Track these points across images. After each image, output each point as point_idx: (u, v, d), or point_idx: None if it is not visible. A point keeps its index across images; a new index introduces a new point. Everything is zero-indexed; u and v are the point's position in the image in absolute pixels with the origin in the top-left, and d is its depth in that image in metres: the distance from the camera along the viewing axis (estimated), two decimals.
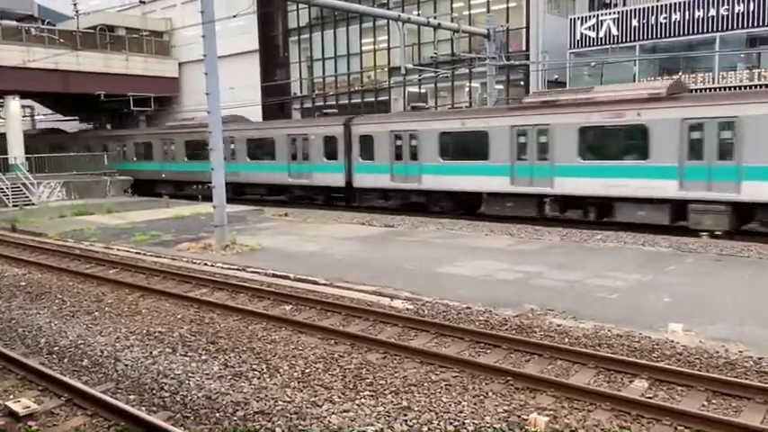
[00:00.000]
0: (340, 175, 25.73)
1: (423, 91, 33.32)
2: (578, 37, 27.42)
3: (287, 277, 12.93)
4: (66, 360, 8.59)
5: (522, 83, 29.72)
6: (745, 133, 16.31)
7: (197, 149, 31.08)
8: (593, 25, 27.06)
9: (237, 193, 30.07)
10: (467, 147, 22.04)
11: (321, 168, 26.49)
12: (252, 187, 30.26)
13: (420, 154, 22.98)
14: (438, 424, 6.36)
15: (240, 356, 8.48)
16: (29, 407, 6.73)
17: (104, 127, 43.31)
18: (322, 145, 26.28)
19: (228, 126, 30.04)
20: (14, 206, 27.53)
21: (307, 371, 7.88)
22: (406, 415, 6.57)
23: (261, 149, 29.47)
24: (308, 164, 26.98)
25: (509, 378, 7.40)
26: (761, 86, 22.80)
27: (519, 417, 6.47)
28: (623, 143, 18.79)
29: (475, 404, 6.81)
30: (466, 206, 22.68)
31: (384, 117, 26.77)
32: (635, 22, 25.97)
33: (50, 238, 19.60)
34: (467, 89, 31.72)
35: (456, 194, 22.68)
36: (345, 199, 26.57)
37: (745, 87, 23.02)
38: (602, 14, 27.31)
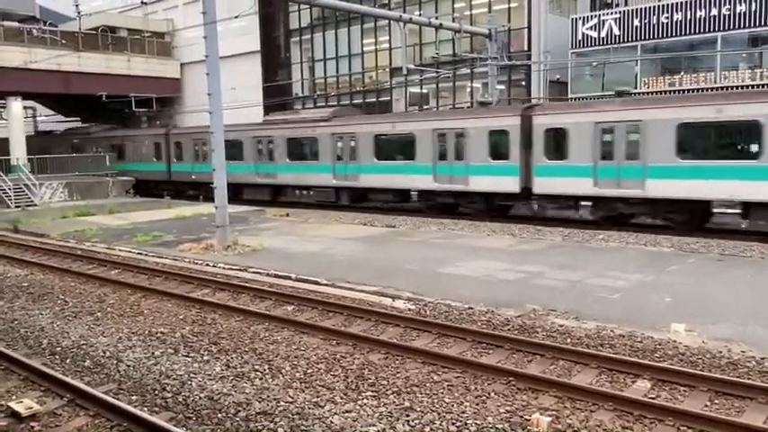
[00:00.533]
0: (512, 179, 20.73)
1: (424, 91, 33.34)
2: (580, 37, 27.41)
3: (288, 278, 12.94)
4: (68, 361, 8.59)
5: (523, 83, 29.72)
6: None
7: (304, 149, 27.47)
8: (595, 25, 27.04)
9: (357, 198, 26.16)
10: (722, 142, 17.64)
11: (483, 170, 21.36)
12: (378, 193, 25.38)
13: (644, 151, 18.17)
14: (440, 424, 6.36)
15: (242, 357, 8.49)
16: (31, 407, 6.74)
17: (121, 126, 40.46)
18: (486, 141, 21.30)
19: (346, 120, 26.38)
20: (17, 207, 27.57)
21: (309, 371, 7.88)
22: (408, 415, 6.57)
23: (393, 148, 24.52)
24: (463, 164, 21.87)
25: (511, 378, 7.40)
26: (764, 86, 22.76)
27: (521, 417, 6.47)
28: None
29: (477, 405, 6.81)
30: (700, 218, 18.67)
31: (585, 105, 21.65)
32: (636, 22, 25.96)
33: (52, 239, 19.62)
34: (468, 89, 31.72)
35: (691, 204, 18.02)
36: (503, 209, 22.29)
37: (749, 87, 22.88)
38: (603, 14, 27.30)
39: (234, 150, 29.76)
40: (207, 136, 31.03)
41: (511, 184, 20.88)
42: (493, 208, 22.23)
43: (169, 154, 34.16)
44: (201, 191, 31.31)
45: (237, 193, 29.78)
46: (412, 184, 23.79)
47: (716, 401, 6.79)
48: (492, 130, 21.32)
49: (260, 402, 6.98)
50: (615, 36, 26.47)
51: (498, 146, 21.21)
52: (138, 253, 16.63)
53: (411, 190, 24.22)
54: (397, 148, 24.44)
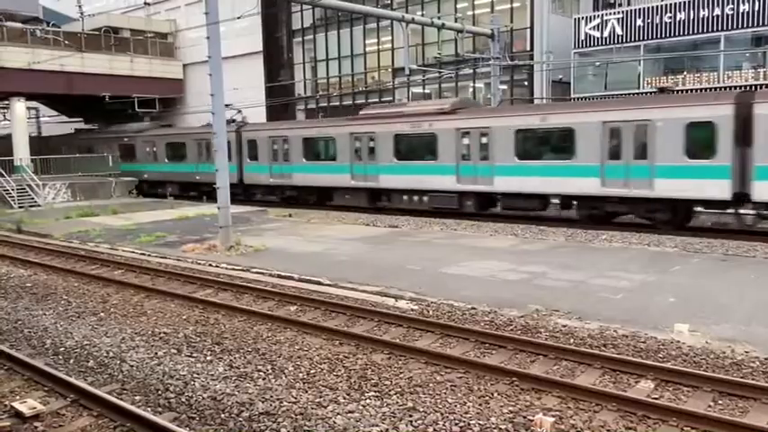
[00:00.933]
0: (720, 183, 16.82)
1: (427, 91, 33.35)
2: (583, 37, 27.41)
3: (291, 278, 12.95)
4: (71, 361, 8.61)
5: (526, 83, 29.73)
6: None
7: (416, 146, 23.53)
8: (598, 25, 27.04)
9: (487, 205, 22.30)
10: None
11: (675, 172, 17.45)
12: (516, 199, 21.15)
13: None
14: (443, 425, 6.35)
15: (245, 357, 8.49)
16: (35, 407, 6.75)
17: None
18: (681, 136, 17.34)
19: (475, 113, 22.85)
20: (20, 207, 27.64)
21: (312, 371, 7.89)
22: (411, 416, 6.57)
23: (542, 145, 20.61)
24: (646, 164, 17.87)
25: (514, 379, 7.39)
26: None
27: (524, 418, 6.46)
28: None
29: (480, 405, 6.80)
30: None
31: None
32: (639, 22, 25.94)
33: (56, 240, 19.66)
34: (471, 89, 31.73)
35: None
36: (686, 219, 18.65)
37: (759, 87, 22.68)
38: (606, 14, 27.29)
39: (324, 149, 26.85)
40: (290, 133, 28.13)
41: (717, 189, 16.93)
42: (682, 217, 18.45)
43: (241, 154, 30.13)
44: (277, 194, 28.90)
45: (324, 197, 27.11)
46: (568, 188, 19.62)
47: (720, 402, 6.77)
48: (691, 123, 17.25)
49: (263, 402, 6.98)
50: (618, 36, 26.46)
51: (699, 141, 17.30)
52: (142, 253, 16.65)
53: (559, 195, 20.20)
54: (547, 146, 20.49)
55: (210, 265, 14.80)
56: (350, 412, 6.69)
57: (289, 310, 10.84)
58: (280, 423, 6.46)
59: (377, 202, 25.05)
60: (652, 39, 25.84)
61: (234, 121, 32.19)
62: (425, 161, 22.94)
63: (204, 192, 31.02)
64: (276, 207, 27.01)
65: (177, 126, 35.85)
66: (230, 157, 29.45)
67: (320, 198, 27.28)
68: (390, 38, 33.44)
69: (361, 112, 26.01)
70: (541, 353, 8.23)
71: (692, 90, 24.16)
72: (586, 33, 27.31)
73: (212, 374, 7.88)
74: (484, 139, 21.30)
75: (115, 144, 36.69)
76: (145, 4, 38.16)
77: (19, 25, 35.18)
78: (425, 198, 23.14)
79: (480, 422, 6.38)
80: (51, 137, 43.59)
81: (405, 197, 23.86)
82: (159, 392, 7.36)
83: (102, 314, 10.93)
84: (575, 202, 20.18)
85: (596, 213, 19.58)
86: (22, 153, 32.89)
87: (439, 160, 22.48)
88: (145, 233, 19.53)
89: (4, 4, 34.90)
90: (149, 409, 6.86)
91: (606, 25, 26.79)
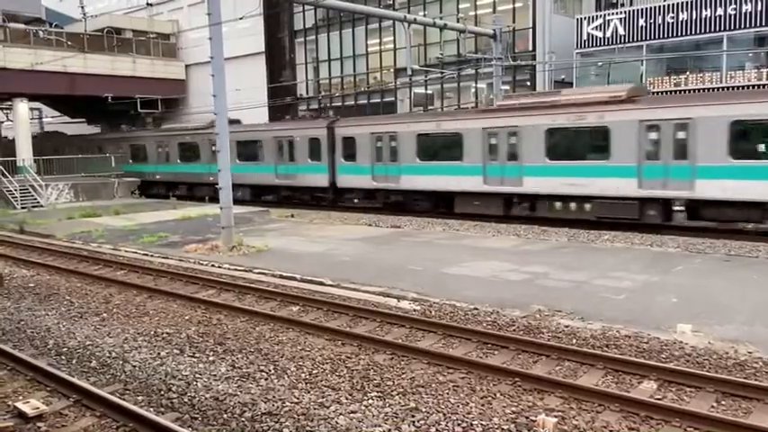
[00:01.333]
0: None
1: (429, 92, 33.34)
2: (585, 37, 27.37)
3: (294, 278, 12.95)
4: (74, 361, 8.62)
5: (528, 83, 29.69)
6: None
7: (578, 143, 19.78)
8: (600, 25, 27.00)
9: (672, 215, 18.50)
10: None
11: None
12: (731, 208, 17.03)
13: None
14: (446, 425, 6.35)
15: (248, 357, 8.50)
16: (38, 408, 6.76)
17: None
18: None
19: (669, 100, 19.60)
20: (23, 208, 27.70)
21: (314, 372, 7.89)
22: (413, 416, 6.57)
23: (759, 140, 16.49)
24: None
25: (517, 379, 7.38)
26: None
27: (527, 418, 6.45)
28: None
29: (483, 405, 6.80)
30: None
31: None
32: (642, 22, 25.90)
33: (58, 240, 19.68)
34: (473, 90, 31.71)
35: None
36: None
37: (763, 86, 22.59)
38: (608, 14, 27.25)
39: (445, 147, 23.01)
40: (400, 128, 23.87)
41: None
42: None
43: (334, 153, 26.67)
44: (380, 199, 25.48)
45: (443, 204, 23.44)
46: None
47: (723, 402, 6.76)
48: None
49: (265, 403, 6.98)
50: (620, 36, 26.42)
51: None
52: (144, 254, 16.67)
53: None
54: (756, 141, 16.56)
55: (213, 265, 14.81)
56: (352, 413, 6.69)
57: (291, 311, 10.85)
58: (282, 423, 6.47)
59: (513, 209, 21.54)
60: (654, 39, 25.80)
61: (321, 115, 29.47)
62: (590, 161, 19.20)
63: (284, 196, 28.87)
64: (374, 214, 24.31)
65: (250, 123, 31.86)
66: (319, 157, 27.07)
67: (437, 205, 23.75)
68: (392, 38, 33.40)
69: (497, 103, 22.52)
70: (544, 353, 8.22)
71: (693, 91, 24.12)
72: (589, 33, 27.27)
73: (215, 375, 7.88)
74: (681, 134, 17.39)
75: (174, 142, 34.18)
76: (147, 4, 38.25)
77: (22, 26, 35.24)
78: (588, 205, 19.39)
79: (483, 422, 6.37)
80: (84, 136, 42.51)
81: (558, 204, 20.13)
82: (162, 393, 7.36)
83: (104, 314, 10.95)
84: None
85: None
86: (24, 154, 32.93)
87: (612, 159, 18.67)
88: (147, 234, 19.55)
89: (7, 5, 34.98)
90: (152, 409, 6.86)
91: (608, 25, 26.75)
